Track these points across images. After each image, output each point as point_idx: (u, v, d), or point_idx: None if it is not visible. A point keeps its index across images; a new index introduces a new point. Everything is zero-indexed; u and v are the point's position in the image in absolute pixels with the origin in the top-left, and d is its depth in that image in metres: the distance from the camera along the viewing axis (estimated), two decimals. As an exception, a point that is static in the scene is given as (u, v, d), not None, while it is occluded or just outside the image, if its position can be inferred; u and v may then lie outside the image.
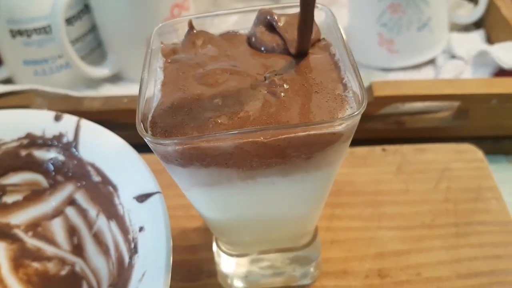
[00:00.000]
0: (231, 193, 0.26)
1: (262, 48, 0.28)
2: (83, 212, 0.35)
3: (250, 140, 0.22)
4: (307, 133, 0.22)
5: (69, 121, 0.36)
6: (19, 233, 0.36)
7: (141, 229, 0.29)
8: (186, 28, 0.30)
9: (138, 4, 0.51)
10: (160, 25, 0.29)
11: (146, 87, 0.25)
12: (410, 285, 0.34)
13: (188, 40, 0.29)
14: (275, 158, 0.24)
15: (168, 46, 0.29)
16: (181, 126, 0.23)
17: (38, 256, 0.36)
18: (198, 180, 0.25)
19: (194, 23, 0.29)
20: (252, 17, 0.29)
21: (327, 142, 0.23)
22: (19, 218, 0.36)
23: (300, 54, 0.26)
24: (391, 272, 0.35)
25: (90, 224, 0.35)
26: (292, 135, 0.22)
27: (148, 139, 0.23)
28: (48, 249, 0.36)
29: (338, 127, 0.22)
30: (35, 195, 0.37)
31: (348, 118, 0.22)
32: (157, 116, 0.24)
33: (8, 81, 0.55)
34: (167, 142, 0.23)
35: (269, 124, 0.23)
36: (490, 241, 0.37)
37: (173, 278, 0.26)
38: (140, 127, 0.23)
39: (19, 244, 0.36)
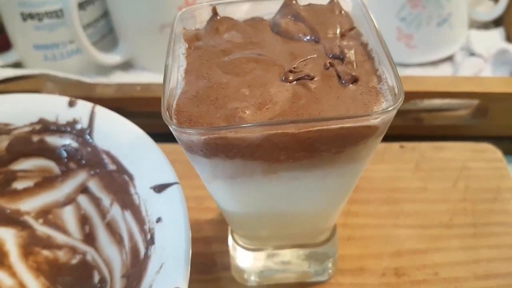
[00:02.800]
0: (254, 186, 0.25)
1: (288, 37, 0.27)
2: (96, 201, 0.34)
3: (280, 131, 0.21)
4: (340, 126, 0.21)
5: (83, 107, 0.35)
6: (29, 220, 0.36)
7: (158, 220, 0.28)
8: (204, 15, 0.29)
9: (152, -9, 0.49)
10: (184, 9, 0.28)
11: (171, 74, 0.24)
12: (428, 285, 0.34)
13: (211, 26, 0.29)
14: (304, 152, 0.23)
15: (190, 32, 0.28)
16: (207, 115, 0.23)
17: (48, 244, 0.35)
18: (221, 172, 0.24)
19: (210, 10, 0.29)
20: (265, 5, 0.29)
21: (361, 136, 0.22)
22: (29, 205, 0.36)
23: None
24: (408, 271, 0.34)
25: (103, 213, 0.34)
26: (325, 127, 0.21)
27: (173, 127, 0.22)
28: (59, 237, 0.35)
29: (374, 121, 0.21)
30: (46, 181, 0.36)
31: (385, 112, 0.21)
32: (182, 104, 0.23)
33: (17, 65, 0.54)
34: (194, 131, 0.22)
35: (300, 116, 0.22)
36: (508, 242, 0.36)
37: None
38: (165, 115, 0.22)
39: (29, 231, 0.35)
